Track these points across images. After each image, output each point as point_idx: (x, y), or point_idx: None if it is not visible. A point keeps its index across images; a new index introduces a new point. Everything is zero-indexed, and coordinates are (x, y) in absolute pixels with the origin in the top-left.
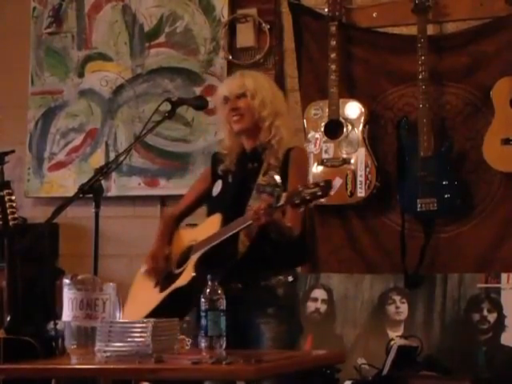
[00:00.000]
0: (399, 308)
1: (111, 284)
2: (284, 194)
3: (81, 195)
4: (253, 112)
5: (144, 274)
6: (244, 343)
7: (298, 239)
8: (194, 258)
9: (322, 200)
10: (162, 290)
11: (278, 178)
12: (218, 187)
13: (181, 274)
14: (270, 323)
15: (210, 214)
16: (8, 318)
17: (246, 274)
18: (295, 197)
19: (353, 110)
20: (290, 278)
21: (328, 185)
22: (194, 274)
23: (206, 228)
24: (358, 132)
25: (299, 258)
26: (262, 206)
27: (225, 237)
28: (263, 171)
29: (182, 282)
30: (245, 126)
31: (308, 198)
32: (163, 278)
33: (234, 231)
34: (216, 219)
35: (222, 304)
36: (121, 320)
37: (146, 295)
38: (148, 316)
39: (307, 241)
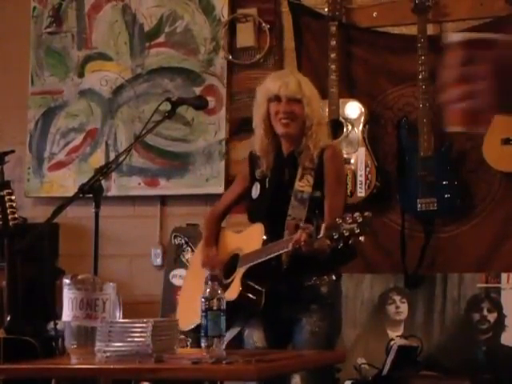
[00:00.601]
0: (399, 308)
1: (111, 284)
2: (323, 226)
3: (81, 195)
4: (304, 119)
5: (199, 280)
6: (285, 338)
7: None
8: (240, 271)
9: (361, 239)
10: None
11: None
12: (256, 190)
13: (228, 285)
14: (312, 317)
15: (250, 216)
16: (8, 318)
17: (290, 278)
18: (334, 231)
19: (353, 109)
20: (334, 277)
21: (366, 221)
22: (240, 290)
23: (249, 237)
24: (357, 132)
25: (345, 258)
26: (301, 237)
27: (268, 257)
28: (299, 176)
29: (229, 296)
30: (293, 131)
31: (346, 234)
32: None
33: (275, 255)
34: (259, 230)
35: (222, 304)
36: (121, 320)
37: (197, 305)
38: (197, 327)
39: None
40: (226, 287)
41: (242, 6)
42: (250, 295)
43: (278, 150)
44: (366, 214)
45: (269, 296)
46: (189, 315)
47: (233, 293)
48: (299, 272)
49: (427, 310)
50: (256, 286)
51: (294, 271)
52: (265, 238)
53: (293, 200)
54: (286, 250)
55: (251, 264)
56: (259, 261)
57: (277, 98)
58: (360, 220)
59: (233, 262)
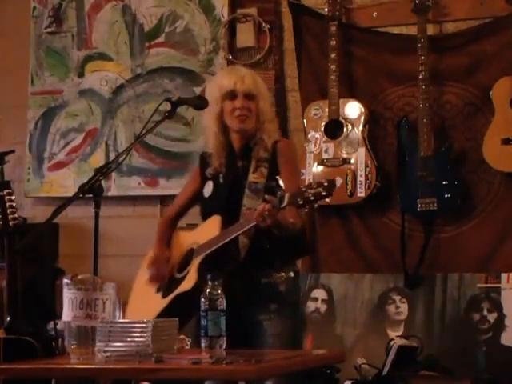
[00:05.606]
0: (399, 308)
1: (111, 284)
2: (287, 195)
3: (81, 195)
4: (259, 115)
5: (148, 280)
6: (247, 342)
7: (299, 231)
8: (196, 261)
9: (328, 200)
10: (164, 296)
11: (278, 178)
12: (209, 188)
13: (183, 278)
14: (272, 319)
15: (204, 215)
16: (8, 318)
17: (247, 273)
18: (298, 197)
19: (353, 109)
20: (292, 274)
21: (331, 184)
22: (197, 279)
23: (205, 230)
24: (358, 132)
25: (300, 250)
26: (265, 207)
27: (227, 239)
28: (253, 168)
29: (185, 287)
30: (249, 127)
31: (312, 198)
32: (166, 282)
33: (237, 234)
34: (216, 221)
35: (222, 304)
36: (121, 320)
37: (149, 301)
38: None
39: (308, 234)
40: (180, 281)
41: (242, 6)
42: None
43: (229, 146)
44: (330, 178)
45: (225, 295)
46: (140, 315)
47: (188, 283)
48: (256, 264)
49: (427, 310)
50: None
51: (251, 263)
52: (221, 227)
53: (247, 191)
54: (248, 227)
55: (208, 251)
56: (217, 246)
57: (232, 94)
58: (326, 184)
59: (188, 256)
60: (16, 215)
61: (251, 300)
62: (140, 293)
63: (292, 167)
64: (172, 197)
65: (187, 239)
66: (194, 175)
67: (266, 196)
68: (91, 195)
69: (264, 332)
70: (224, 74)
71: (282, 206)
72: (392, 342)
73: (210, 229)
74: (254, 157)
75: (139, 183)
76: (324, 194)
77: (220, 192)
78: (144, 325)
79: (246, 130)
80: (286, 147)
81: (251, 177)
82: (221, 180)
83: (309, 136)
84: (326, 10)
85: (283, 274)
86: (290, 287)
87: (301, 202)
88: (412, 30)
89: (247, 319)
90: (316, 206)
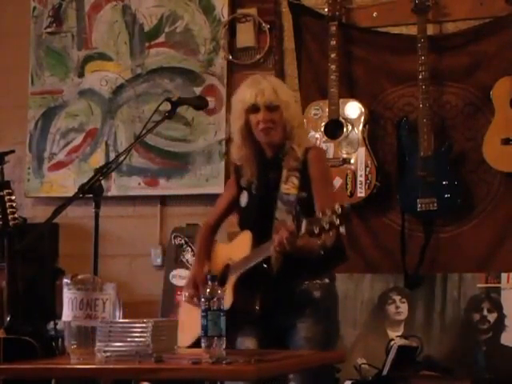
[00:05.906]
0: (399, 308)
1: (111, 284)
2: (304, 223)
3: (81, 195)
4: (285, 125)
5: (186, 301)
6: (279, 345)
7: (330, 248)
8: (231, 280)
9: (342, 230)
10: None
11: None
12: (244, 198)
13: None
14: (306, 323)
15: (240, 225)
16: (8, 318)
17: (281, 285)
18: (314, 225)
19: (353, 109)
20: (327, 280)
21: (345, 212)
22: (233, 299)
23: (238, 246)
24: (358, 132)
25: (334, 260)
26: (284, 235)
27: (258, 260)
28: (284, 179)
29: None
30: (275, 138)
31: (327, 227)
32: None
33: (263, 257)
34: (246, 237)
35: (222, 304)
36: (121, 320)
37: (194, 319)
38: (196, 342)
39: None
40: None
41: (242, 6)
42: (244, 303)
43: (260, 156)
44: (345, 205)
45: (262, 303)
46: (188, 332)
47: (226, 302)
48: (290, 277)
49: (427, 310)
50: (249, 293)
51: (285, 276)
52: (252, 244)
53: (279, 203)
54: (269, 253)
55: (241, 271)
56: (247, 267)
57: (255, 107)
58: (340, 211)
59: (224, 272)
60: (16, 215)
61: (286, 307)
62: (186, 310)
63: (323, 180)
64: (172, 197)
65: (223, 253)
66: (229, 184)
67: (287, 223)
68: (91, 195)
69: (296, 334)
70: (245, 87)
71: (300, 234)
72: (392, 342)
73: (242, 245)
74: (284, 167)
75: (139, 183)
76: (337, 223)
77: (253, 204)
78: (144, 325)
79: (272, 142)
80: (317, 156)
81: (283, 188)
82: (253, 191)
83: (309, 136)
84: (326, 10)
85: (318, 281)
86: (325, 293)
87: (316, 231)
88: (412, 30)
89: (282, 324)
90: (331, 234)
